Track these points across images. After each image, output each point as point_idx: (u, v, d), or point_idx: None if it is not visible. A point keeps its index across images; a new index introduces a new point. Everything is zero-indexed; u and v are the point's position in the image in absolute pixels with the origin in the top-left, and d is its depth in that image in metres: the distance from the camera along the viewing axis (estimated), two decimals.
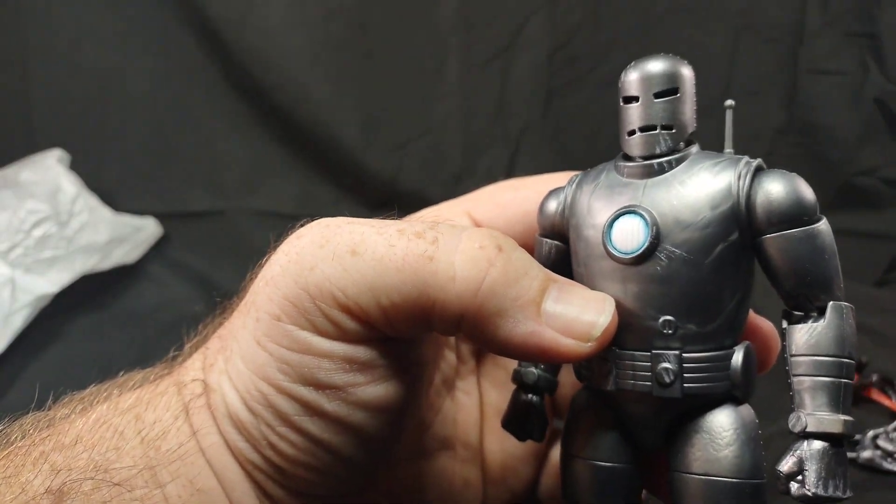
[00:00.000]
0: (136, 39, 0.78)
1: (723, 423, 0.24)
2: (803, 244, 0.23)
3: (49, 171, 0.69)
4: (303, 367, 0.24)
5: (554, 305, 0.24)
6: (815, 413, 0.23)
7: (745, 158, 0.25)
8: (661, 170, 0.25)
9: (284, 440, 0.25)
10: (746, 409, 0.25)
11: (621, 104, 0.26)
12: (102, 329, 0.66)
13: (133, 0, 0.77)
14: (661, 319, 0.24)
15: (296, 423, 0.25)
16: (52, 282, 0.64)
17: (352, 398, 0.25)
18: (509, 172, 0.79)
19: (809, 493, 0.22)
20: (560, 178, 0.31)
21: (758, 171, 0.24)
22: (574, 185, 0.26)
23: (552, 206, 0.27)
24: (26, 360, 0.60)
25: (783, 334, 0.24)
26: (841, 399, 0.23)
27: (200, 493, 0.25)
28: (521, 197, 0.32)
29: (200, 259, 0.75)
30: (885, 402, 0.50)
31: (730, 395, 0.24)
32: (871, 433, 0.45)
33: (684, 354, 0.24)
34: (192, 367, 0.27)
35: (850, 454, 0.45)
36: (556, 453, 0.33)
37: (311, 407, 0.25)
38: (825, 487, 0.22)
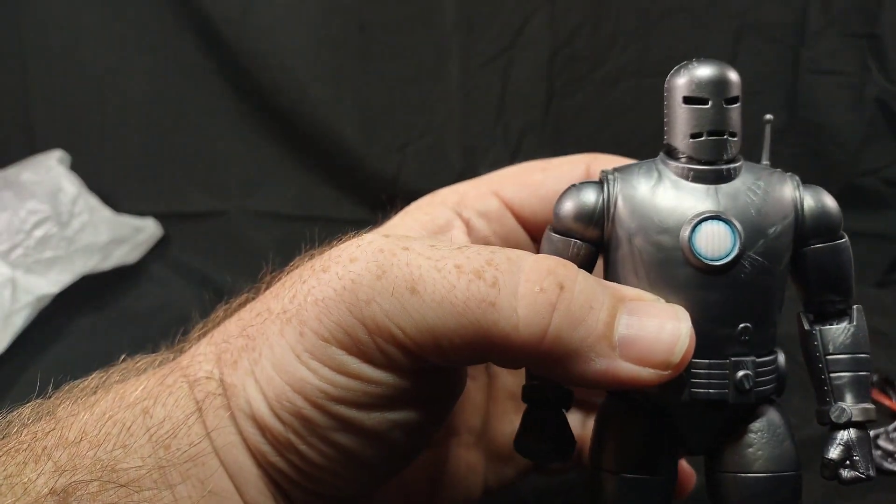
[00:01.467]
0: (135, 40, 0.78)
1: (775, 421, 0.26)
2: (838, 255, 0.25)
3: (50, 171, 0.69)
4: (347, 390, 0.24)
5: (626, 331, 0.23)
6: (857, 405, 0.25)
7: (784, 173, 0.26)
8: (729, 176, 0.25)
9: (314, 449, 0.25)
10: (780, 407, 0.27)
11: (679, 103, 0.25)
12: (103, 329, 0.66)
13: (133, 0, 0.77)
14: (740, 326, 0.24)
15: (328, 436, 0.25)
16: (52, 282, 0.64)
17: (392, 417, 0.25)
18: None
19: (863, 475, 0.25)
20: (580, 161, 0.32)
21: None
22: (616, 185, 0.25)
23: (588, 203, 0.25)
24: (27, 360, 0.60)
25: (802, 335, 0.26)
26: (868, 389, 0.26)
27: (212, 494, 0.25)
28: (552, 178, 0.32)
29: (201, 259, 0.76)
30: (886, 402, 0.50)
31: (773, 398, 0.26)
32: (871, 433, 0.46)
33: (757, 360, 0.24)
34: (204, 360, 0.27)
35: None
36: None
37: (349, 423, 0.25)
38: (870, 469, 0.25)
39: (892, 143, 0.77)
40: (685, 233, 0.23)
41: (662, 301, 0.24)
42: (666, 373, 0.23)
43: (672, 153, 0.25)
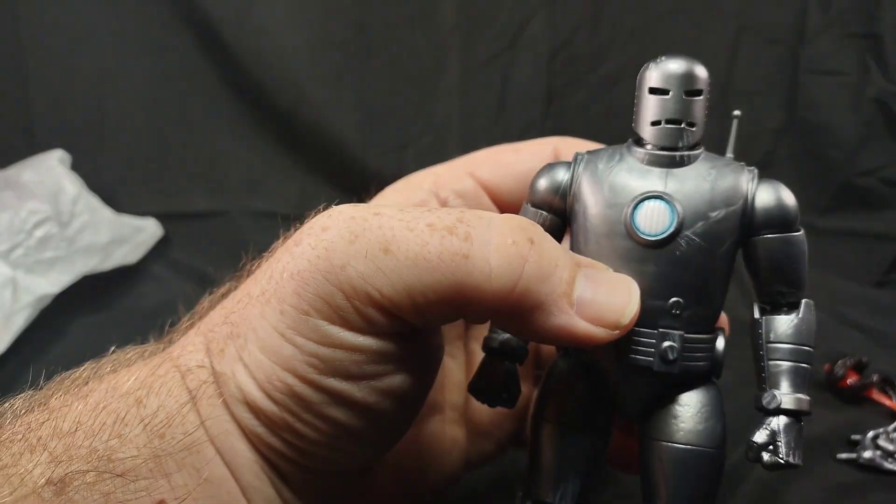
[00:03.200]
0: (135, 40, 0.78)
1: (703, 399, 0.27)
2: (790, 247, 0.26)
3: (50, 171, 0.69)
4: (333, 361, 0.25)
5: (583, 293, 0.24)
6: (790, 393, 0.26)
7: (746, 166, 0.27)
8: (682, 162, 0.26)
9: (309, 426, 0.25)
10: (716, 387, 0.28)
11: (646, 94, 0.27)
12: (103, 329, 0.66)
13: (132, 0, 0.77)
14: (671, 300, 0.26)
15: (322, 411, 0.25)
16: (53, 282, 0.64)
17: (380, 386, 0.25)
18: None
19: (782, 461, 0.25)
20: (548, 143, 0.33)
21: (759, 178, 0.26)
22: (583, 164, 0.27)
23: (557, 179, 0.28)
24: (27, 360, 0.60)
25: (751, 323, 0.27)
26: (806, 382, 0.26)
27: (208, 482, 0.25)
28: (523, 159, 0.34)
29: (201, 259, 0.75)
30: (886, 402, 0.50)
31: (707, 374, 0.27)
32: (871, 433, 0.46)
33: (686, 335, 0.26)
34: (194, 350, 0.27)
35: (850, 455, 0.45)
36: None
37: (340, 396, 0.25)
38: (793, 456, 0.25)
39: (891, 144, 0.77)
40: (628, 209, 0.26)
41: (611, 270, 0.26)
42: (615, 332, 0.24)
43: (638, 140, 0.27)
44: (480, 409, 0.35)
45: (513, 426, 0.37)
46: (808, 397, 0.26)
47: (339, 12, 0.77)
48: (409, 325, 0.25)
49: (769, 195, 0.26)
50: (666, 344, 0.26)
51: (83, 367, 0.29)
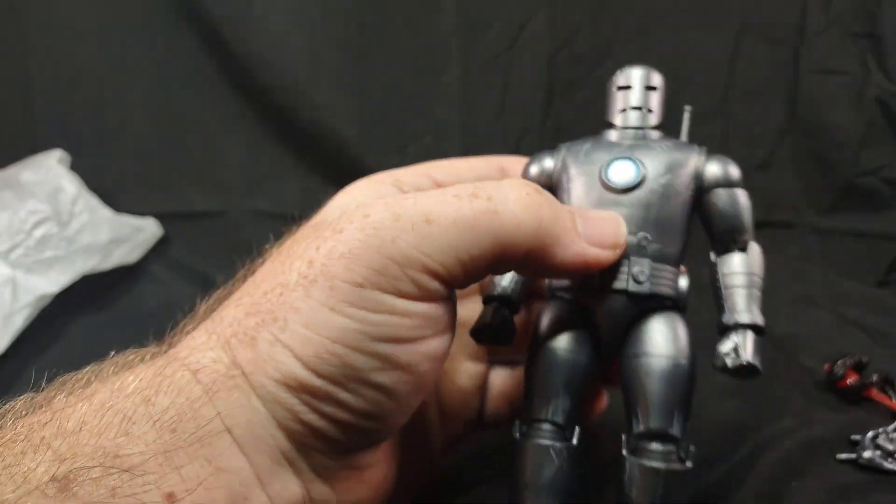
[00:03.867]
0: (136, 40, 0.78)
1: (671, 322, 0.32)
2: (735, 198, 0.32)
3: (50, 171, 0.69)
4: (386, 327, 0.27)
5: (584, 228, 0.30)
6: (745, 311, 0.31)
7: (698, 147, 0.33)
8: (645, 137, 0.34)
9: (355, 394, 0.27)
10: (682, 316, 0.32)
11: (614, 90, 0.35)
12: (103, 329, 0.66)
13: (133, 1, 0.78)
14: (639, 235, 0.31)
15: (370, 378, 0.27)
16: (52, 282, 0.64)
17: (422, 349, 0.28)
18: None
19: (744, 362, 0.30)
20: (496, 160, 0.39)
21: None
22: (565, 150, 0.34)
23: (545, 163, 0.35)
24: (27, 359, 0.61)
25: (710, 266, 0.33)
26: (759, 304, 0.31)
27: (221, 471, 0.26)
28: (475, 166, 0.39)
29: (201, 259, 0.76)
30: (886, 402, 0.50)
31: (675, 306, 0.32)
32: (870, 433, 0.45)
33: (653, 263, 0.31)
34: (206, 348, 0.28)
35: (850, 455, 0.45)
36: (495, 380, 0.39)
37: (388, 361, 0.27)
38: (756, 358, 0.30)
39: (892, 143, 0.77)
40: (603, 167, 0.32)
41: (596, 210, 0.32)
42: (616, 252, 0.31)
43: (609, 127, 0.35)
44: (450, 391, 0.38)
45: (475, 407, 0.40)
46: (760, 315, 0.31)
47: (339, 12, 0.77)
48: (452, 286, 0.29)
49: (717, 164, 0.32)
50: (636, 268, 0.31)
51: (85, 371, 0.29)
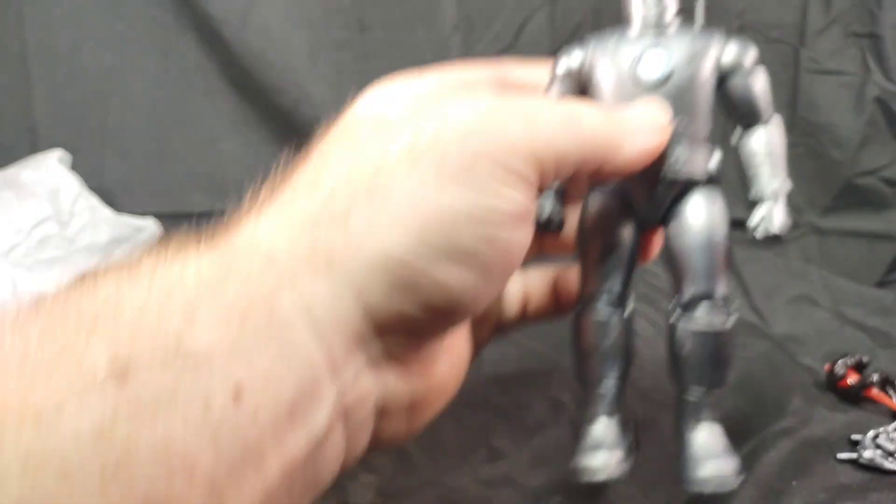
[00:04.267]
0: (136, 40, 0.78)
1: (711, 194, 0.34)
2: (751, 84, 0.34)
3: (50, 171, 0.69)
4: (490, 212, 0.27)
5: (635, 121, 0.32)
6: (769, 185, 0.34)
7: (717, 31, 0.35)
8: (665, 29, 0.35)
9: (451, 275, 0.27)
10: (719, 187, 0.35)
11: None
12: None
13: (134, 1, 0.78)
14: (676, 119, 0.33)
15: (470, 258, 0.27)
16: (53, 282, 0.64)
17: (517, 236, 0.29)
18: None
19: (776, 232, 0.33)
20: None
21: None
22: (593, 44, 0.36)
23: (575, 57, 0.36)
24: None
25: (735, 143, 0.35)
26: (783, 167, 0.35)
27: (292, 361, 0.23)
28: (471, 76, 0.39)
29: None
30: (886, 401, 0.50)
31: (710, 180, 0.34)
32: (871, 433, 0.45)
33: (688, 145, 0.33)
34: (275, 229, 0.26)
35: (851, 455, 0.45)
36: (531, 281, 0.40)
37: (490, 243, 0.27)
38: (781, 227, 0.33)
39: (892, 143, 0.77)
40: (635, 59, 0.34)
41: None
42: (665, 134, 0.32)
43: (628, 21, 0.37)
44: None
45: (498, 313, 0.40)
46: (787, 180, 0.34)
47: (339, 12, 0.77)
48: (544, 184, 0.29)
49: (733, 50, 0.34)
50: (676, 153, 0.33)
51: (133, 256, 0.26)
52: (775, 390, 0.53)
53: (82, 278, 0.23)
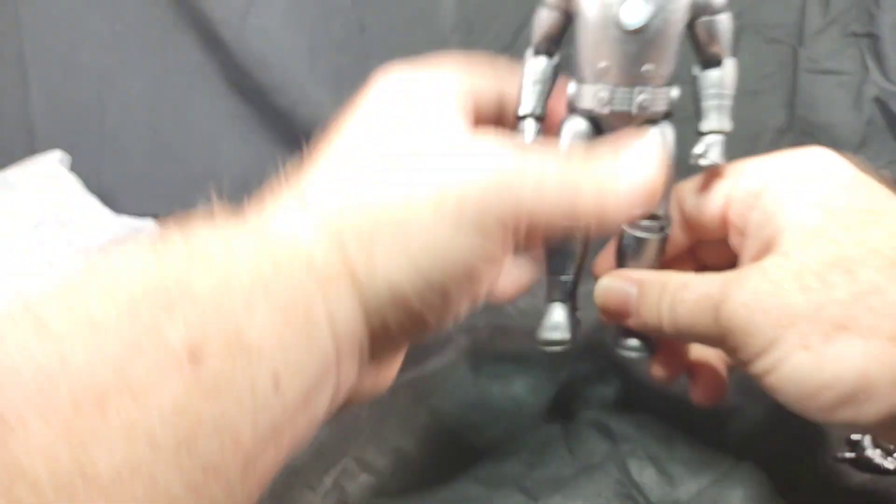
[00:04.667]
0: (135, 40, 0.78)
1: (665, 127, 0.40)
2: (716, 26, 0.39)
3: (49, 172, 0.69)
4: (485, 261, 0.32)
5: (628, 192, 0.34)
6: (718, 121, 0.40)
7: None
8: None
9: (439, 309, 0.31)
10: (671, 124, 0.40)
11: None
12: None
13: (132, 1, 0.78)
14: (643, 67, 0.38)
15: (455, 297, 0.32)
16: (54, 282, 0.64)
17: (492, 278, 0.34)
18: None
19: (715, 162, 0.39)
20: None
21: None
22: None
23: None
24: None
25: (692, 77, 0.40)
26: (728, 113, 0.40)
27: (317, 356, 0.28)
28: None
29: None
30: None
31: (667, 115, 0.40)
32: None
33: (653, 90, 0.38)
34: (312, 233, 0.29)
35: (849, 454, 0.45)
36: None
37: (474, 283, 0.32)
38: (720, 158, 0.39)
39: (891, 143, 0.77)
40: (616, 7, 0.37)
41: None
42: (653, 204, 0.35)
43: None
44: None
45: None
46: (729, 122, 0.39)
47: (339, 12, 0.77)
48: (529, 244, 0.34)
49: None
50: (641, 96, 0.38)
51: (187, 230, 0.29)
52: None
53: (153, 248, 0.26)
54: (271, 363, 0.25)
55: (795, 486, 0.43)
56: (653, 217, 0.41)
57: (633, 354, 0.43)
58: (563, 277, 0.42)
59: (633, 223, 0.41)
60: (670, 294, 0.36)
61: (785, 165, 0.41)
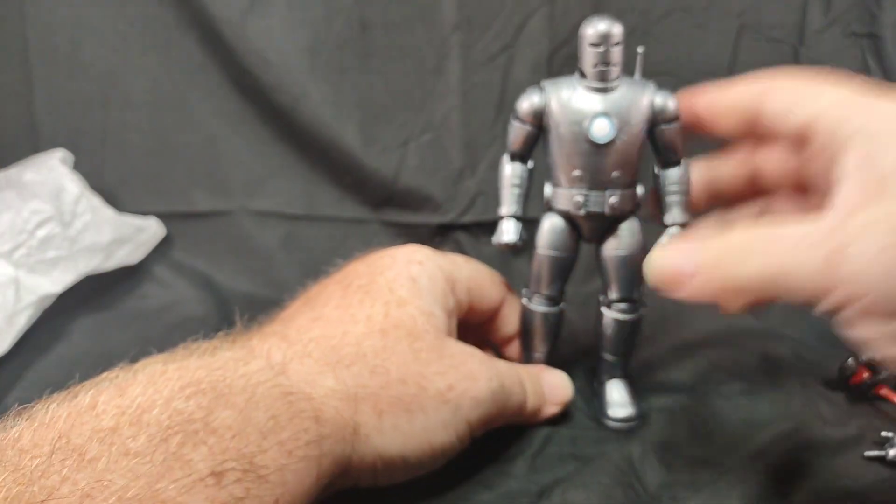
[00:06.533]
0: (137, 40, 0.78)
1: (632, 226, 0.48)
2: (673, 133, 0.45)
3: (52, 171, 0.69)
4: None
5: (548, 392, 0.49)
6: (680, 215, 0.46)
7: (651, 82, 0.45)
8: (613, 90, 0.44)
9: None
10: (638, 219, 0.48)
11: (587, 47, 0.44)
12: (105, 329, 0.66)
13: (136, 1, 0.78)
14: (613, 174, 0.45)
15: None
16: (55, 282, 0.64)
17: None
18: None
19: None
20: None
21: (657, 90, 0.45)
22: (551, 91, 0.45)
23: (535, 101, 0.45)
24: (30, 359, 0.61)
25: (654, 176, 0.47)
26: (687, 208, 0.46)
27: (310, 484, 0.34)
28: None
29: (203, 259, 0.76)
30: (895, 399, 0.50)
31: (633, 211, 0.47)
32: (883, 433, 0.46)
33: (622, 192, 0.45)
34: (325, 390, 0.37)
35: (878, 452, 0.45)
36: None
37: None
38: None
39: None
40: (586, 124, 0.43)
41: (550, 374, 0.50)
42: (564, 405, 0.50)
43: (582, 74, 0.45)
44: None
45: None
46: (690, 216, 0.46)
47: (339, 12, 0.77)
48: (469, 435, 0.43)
49: (660, 102, 0.44)
50: (611, 199, 0.45)
51: (208, 354, 0.35)
52: (784, 387, 0.53)
53: (182, 380, 0.31)
54: (274, 492, 0.31)
55: (809, 484, 0.43)
56: (629, 300, 0.48)
57: (623, 426, 0.48)
58: (535, 356, 0.52)
59: (612, 306, 0.48)
60: (762, 242, 0.32)
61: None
